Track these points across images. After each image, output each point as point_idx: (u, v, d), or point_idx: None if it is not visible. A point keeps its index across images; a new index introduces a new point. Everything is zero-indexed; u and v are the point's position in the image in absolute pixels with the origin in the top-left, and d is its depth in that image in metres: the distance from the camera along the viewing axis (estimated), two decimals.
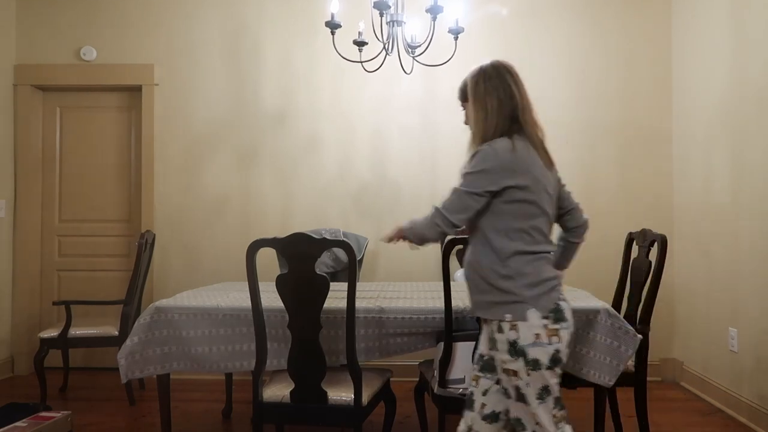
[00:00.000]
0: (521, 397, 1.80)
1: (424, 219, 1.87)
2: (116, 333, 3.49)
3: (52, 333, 3.47)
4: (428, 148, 4.17)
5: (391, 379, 2.59)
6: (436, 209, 1.84)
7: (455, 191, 1.83)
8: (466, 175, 1.81)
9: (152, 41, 4.30)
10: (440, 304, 2.43)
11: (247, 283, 2.26)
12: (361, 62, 3.28)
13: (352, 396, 2.24)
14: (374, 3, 2.94)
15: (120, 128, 4.44)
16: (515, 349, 1.76)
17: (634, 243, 2.92)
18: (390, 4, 2.98)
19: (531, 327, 1.75)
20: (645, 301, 2.66)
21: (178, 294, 2.89)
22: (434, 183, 4.12)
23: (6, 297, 4.23)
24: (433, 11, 2.99)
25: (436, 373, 2.39)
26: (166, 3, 4.30)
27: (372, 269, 4.14)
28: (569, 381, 2.51)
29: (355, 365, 2.23)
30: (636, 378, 2.62)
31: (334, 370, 2.39)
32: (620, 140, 4.13)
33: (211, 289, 3.13)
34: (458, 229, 1.87)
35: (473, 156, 1.82)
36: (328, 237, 2.44)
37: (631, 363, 2.58)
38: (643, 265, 2.75)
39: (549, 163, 1.86)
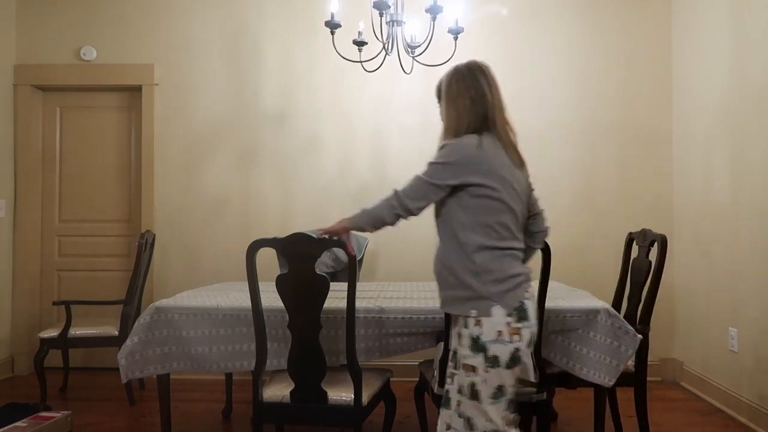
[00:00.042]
0: (475, 395, 1.79)
1: (381, 201, 1.93)
2: (116, 333, 3.50)
3: (52, 333, 3.47)
4: (428, 148, 4.08)
5: (391, 379, 2.59)
6: (395, 192, 1.91)
7: (417, 178, 1.89)
8: (430, 165, 1.88)
9: (152, 41, 4.30)
10: None
11: (247, 283, 2.26)
12: (361, 62, 3.28)
13: (352, 396, 2.24)
14: (374, 3, 2.94)
15: (120, 128, 4.44)
16: (477, 345, 1.77)
17: (634, 243, 2.92)
18: (390, 4, 2.98)
19: (494, 324, 1.76)
20: (645, 301, 2.66)
21: (178, 294, 2.89)
22: None
23: (6, 297, 4.23)
24: (433, 11, 2.99)
25: (436, 373, 2.38)
26: (166, 3, 4.30)
27: (372, 269, 4.14)
28: (569, 381, 2.52)
29: (355, 365, 2.23)
30: (636, 378, 2.61)
31: (334, 370, 2.39)
32: (620, 140, 4.13)
33: (211, 289, 3.13)
34: (413, 215, 1.91)
35: (441, 148, 1.88)
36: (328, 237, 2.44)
37: (631, 363, 2.58)
38: (643, 265, 2.75)
39: (519, 161, 1.89)
